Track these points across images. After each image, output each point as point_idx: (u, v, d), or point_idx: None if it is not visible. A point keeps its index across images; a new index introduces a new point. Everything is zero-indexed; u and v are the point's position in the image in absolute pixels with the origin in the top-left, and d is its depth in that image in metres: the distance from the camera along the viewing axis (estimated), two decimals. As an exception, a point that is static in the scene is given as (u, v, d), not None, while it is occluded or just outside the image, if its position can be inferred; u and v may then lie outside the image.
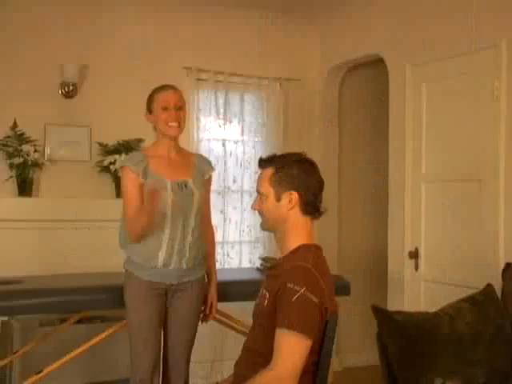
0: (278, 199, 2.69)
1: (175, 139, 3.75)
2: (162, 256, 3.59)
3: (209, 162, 3.98)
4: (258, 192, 2.77)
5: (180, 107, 3.69)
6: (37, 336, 4.91)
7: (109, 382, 5.21)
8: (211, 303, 3.94)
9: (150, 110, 3.74)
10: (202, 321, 3.98)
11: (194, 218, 3.67)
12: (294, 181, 2.68)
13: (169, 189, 3.59)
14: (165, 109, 3.65)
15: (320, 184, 2.74)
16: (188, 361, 3.85)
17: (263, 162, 2.78)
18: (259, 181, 2.77)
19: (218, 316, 4.53)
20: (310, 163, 2.75)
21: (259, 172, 2.80)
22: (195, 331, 3.85)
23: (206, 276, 3.88)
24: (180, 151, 3.82)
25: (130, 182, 3.61)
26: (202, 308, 3.91)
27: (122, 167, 3.77)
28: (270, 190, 2.71)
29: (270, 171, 2.72)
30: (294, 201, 2.67)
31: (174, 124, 3.66)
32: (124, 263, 3.72)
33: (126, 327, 3.77)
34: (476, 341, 3.69)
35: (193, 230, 3.68)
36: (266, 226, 2.81)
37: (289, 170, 2.69)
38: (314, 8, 5.95)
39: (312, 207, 2.71)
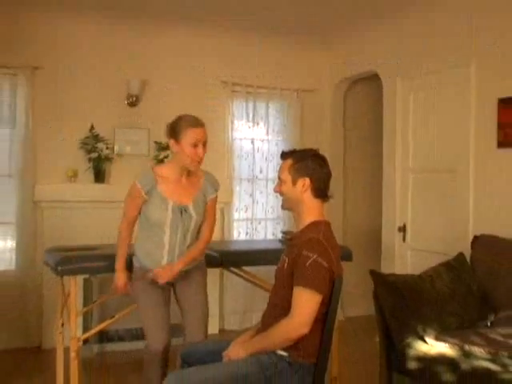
0: (294, 184, 2.67)
1: (196, 168, 3.33)
2: (164, 262, 3.32)
3: (214, 184, 3.46)
4: (279, 178, 2.74)
5: (206, 143, 3.24)
6: (110, 289, 5.03)
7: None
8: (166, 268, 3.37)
9: (176, 138, 3.21)
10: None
11: (190, 237, 3.36)
12: (308, 171, 2.66)
13: (169, 210, 3.25)
14: (194, 146, 3.18)
15: (328, 175, 2.71)
16: (206, 325, 3.50)
17: (284, 155, 2.76)
18: (280, 169, 2.74)
19: (248, 277, 4.56)
20: (322, 158, 2.73)
21: (281, 162, 2.77)
22: (206, 302, 3.50)
23: (203, 260, 3.56)
24: (191, 174, 3.35)
25: (134, 198, 3.31)
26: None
27: (134, 184, 3.29)
28: (288, 177, 2.69)
29: (289, 162, 2.70)
30: (307, 185, 2.65)
31: (199, 160, 3.23)
32: (134, 259, 3.46)
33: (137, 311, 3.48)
34: (451, 297, 3.72)
35: (189, 246, 3.38)
36: (285, 205, 2.79)
37: (305, 162, 2.68)
38: (326, 34, 5.91)
39: (321, 192, 2.69)
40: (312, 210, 2.70)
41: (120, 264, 3.46)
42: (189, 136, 3.19)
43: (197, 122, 3.24)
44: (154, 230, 3.32)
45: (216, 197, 3.49)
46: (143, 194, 3.27)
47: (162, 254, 3.33)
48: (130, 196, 3.36)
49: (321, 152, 2.79)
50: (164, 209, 3.27)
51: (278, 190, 2.77)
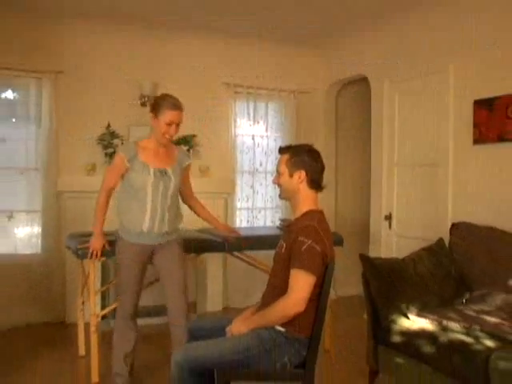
0: (291, 176, 2.67)
1: (166, 144, 3.45)
2: (146, 225, 3.34)
3: (187, 155, 3.67)
4: (277, 171, 2.74)
5: (179, 124, 3.35)
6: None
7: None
8: (227, 232, 3.88)
9: (155, 114, 3.32)
10: (228, 241, 3.92)
11: (170, 198, 3.40)
12: (303, 164, 2.66)
13: (151, 173, 3.32)
14: (168, 124, 3.29)
15: (322, 167, 2.72)
16: (186, 293, 3.52)
17: (282, 150, 2.76)
18: (278, 163, 2.74)
19: (249, 260, 4.53)
20: (316, 152, 2.73)
21: (279, 156, 2.76)
22: (184, 271, 3.54)
23: (179, 237, 3.59)
24: (166, 146, 3.45)
25: (115, 166, 3.40)
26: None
27: (117, 153, 3.44)
28: (285, 170, 2.69)
29: (286, 156, 2.70)
30: (302, 177, 2.66)
31: (169, 137, 3.34)
32: (118, 228, 3.47)
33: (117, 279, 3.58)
34: (431, 278, 3.75)
35: (169, 207, 3.40)
36: (283, 195, 2.78)
37: (300, 156, 2.68)
38: (320, 41, 5.92)
39: (316, 183, 2.70)
40: (307, 199, 2.70)
41: (98, 228, 3.51)
42: (166, 116, 3.29)
43: (176, 106, 3.33)
44: (137, 195, 3.35)
45: (190, 164, 3.62)
46: (125, 161, 3.34)
47: (144, 214, 3.34)
48: (112, 165, 3.46)
49: (315, 147, 2.78)
50: (146, 173, 3.33)
51: (277, 181, 2.76)
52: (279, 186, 2.76)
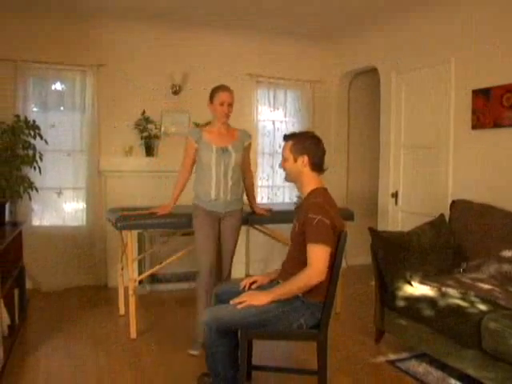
0: (295, 161, 2.66)
1: (224, 122, 3.64)
2: (213, 193, 3.55)
3: (248, 135, 3.78)
4: (283, 156, 2.73)
5: (230, 104, 3.57)
6: (159, 241, 5.07)
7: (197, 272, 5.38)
8: (260, 211, 4.01)
9: (211, 100, 3.59)
10: (262, 215, 4.02)
11: (231, 170, 3.58)
12: (306, 149, 2.65)
13: (214, 151, 3.53)
14: (221, 104, 3.53)
15: (323, 152, 2.70)
16: (232, 258, 3.77)
17: (286, 137, 2.74)
18: (283, 149, 2.73)
19: (268, 232, 4.56)
20: (317, 138, 2.70)
21: (284, 143, 2.74)
22: (236, 240, 3.75)
23: (242, 208, 3.77)
24: (227, 128, 3.67)
25: (187, 147, 3.66)
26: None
27: (187, 137, 3.70)
28: (290, 155, 2.68)
29: (290, 143, 2.69)
30: (305, 162, 2.65)
31: (225, 115, 3.56)
32: (193, 199, 3.67)
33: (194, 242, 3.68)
34: (432, 249, 3.75)
35: (231, 177, 3.58)
36: (289, 178, 2.77)
37: (303, 142, 2.67)
38: (333, 36, 5.86)
39: (318, 166, 2.69)
40: (311, 181, 2.69)
41: (173, 200, 3.76)
42: (218, 98, 3.56)
43: (224, 88, 3.59)
44: (204, 169, 3.59)
45: (250, 143, 3.80)
46: (194, 142, 3.61)
47: (211, 184, 3.57)
48: (185, 148, 3.70)
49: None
50: (210, 151, 3.56)
51: (283, 166, 2.75)
52: (285, 170, 2.75)
